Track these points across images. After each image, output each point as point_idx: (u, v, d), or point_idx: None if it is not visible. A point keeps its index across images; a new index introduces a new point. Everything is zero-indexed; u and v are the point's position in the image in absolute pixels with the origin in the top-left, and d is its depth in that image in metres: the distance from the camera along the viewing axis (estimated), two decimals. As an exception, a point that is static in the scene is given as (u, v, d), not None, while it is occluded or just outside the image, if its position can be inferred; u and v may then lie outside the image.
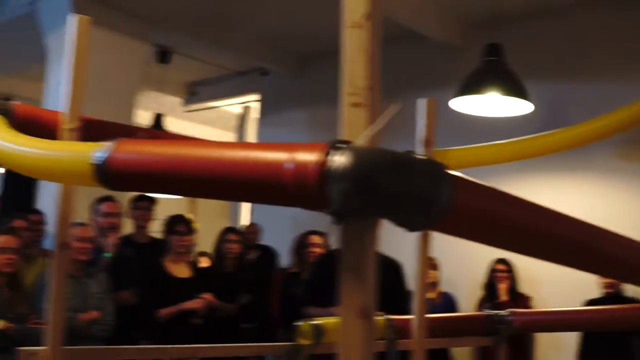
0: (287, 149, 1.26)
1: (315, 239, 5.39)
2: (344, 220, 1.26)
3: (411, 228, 1.27)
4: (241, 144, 1.42)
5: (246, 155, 1.31)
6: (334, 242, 5.21)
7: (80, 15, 2.58)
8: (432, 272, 5.49)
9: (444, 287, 5.73)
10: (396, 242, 4.24)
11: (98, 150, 1.60)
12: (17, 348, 3.66)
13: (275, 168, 1.25)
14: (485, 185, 1.41)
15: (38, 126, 2.46)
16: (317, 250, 5.23)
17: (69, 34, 2.59)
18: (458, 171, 3.55)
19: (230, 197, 1.52)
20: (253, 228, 6.43)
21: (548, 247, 1.61)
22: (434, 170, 1.25)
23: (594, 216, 5.35)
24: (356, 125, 1.31)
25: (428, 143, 3.07)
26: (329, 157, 1.21)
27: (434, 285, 5.57)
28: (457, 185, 1.28)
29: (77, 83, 2.54)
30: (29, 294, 4.14)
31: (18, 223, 4.63)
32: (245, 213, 8.16)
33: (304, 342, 3.04)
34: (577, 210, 5.30)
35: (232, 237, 5.47)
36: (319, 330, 2.97)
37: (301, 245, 5.48)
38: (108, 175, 1.60)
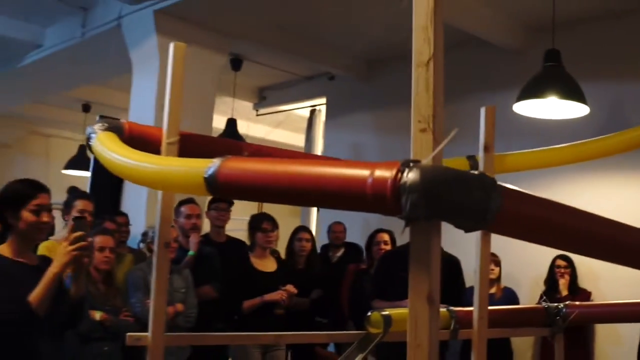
0: (368, 167, 1.58)
1: (384, 236, 5.72)
2: (414, 223, 1.57)
3: (467, 229, 1.58)
4: (329, 161, 1.71)
5: (334, 171, 1.65)
6: (399, 240, 5.52)
7: (177, 43, 2.94)
8: (493, 268, 5.74)
9: (505, 283, 5.96)
10: (459, 239, 4.54)
11: (209, 166, 1.95)
12: (118, 335, 4.10)
13: (359, 182, 1.58)
14: (530, 193, 1.71)
15: (142, 141, 2.82)
16: (385, 247, 5.53)
17: (165, 57, 2.94)
18: (518, 172, 3.85)
19: (320, 205, 1.85)
20: (339, 227, 6.59)
21: (585, 246, 1.90)
22: (485, 183, 1.56)
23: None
24: (423, 147, 1.63)
25: (488, 148, 3.34)
26: (402, 174, 1.52)
27: (495, 280, 5.82)
28: (504, 195, 1.58)
29: (174, 102, 2.88)
30: (120, 290, 4.54)
31: (108, 224, 5.03)
32: (314, 212, 8.51)
33: (374, 331, 3.32)
34: (636, 210, 5.50)
35: (304, 235, 5.81)
36: (388, 320, 3.25)
37: (370, 242, 5.81)
38: (216, 186, 1.95)
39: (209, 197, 5.74)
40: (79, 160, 9.81)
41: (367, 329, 3.33)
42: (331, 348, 6.16)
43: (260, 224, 5.14)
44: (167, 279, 3.00)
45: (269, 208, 7.82)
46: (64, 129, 11.56)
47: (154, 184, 2.49)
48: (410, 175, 1.51)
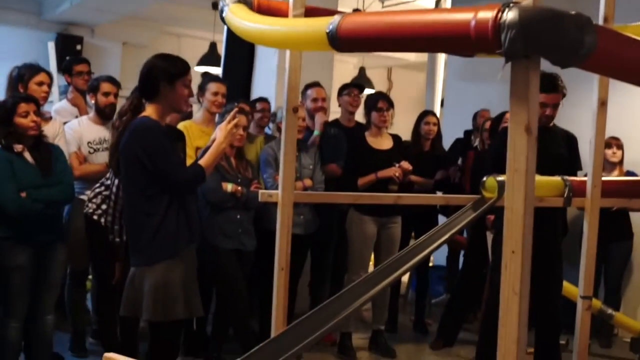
0: (472, 10, 1.77)
1: (486, 114, 5.78)
2: (514, 59, 1.76)
3: (562, 65, 1.75)
4: (437, 9, 1.87)
5: (442, 17, 1.85)
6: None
7: None
8: (615, 151, 5.74)
9: (628, 167, 5.96)
10: (576, 117, 4.60)
11: (330, 22, 2.19)
12: (248, 205, 4.45)
13: (464, 24, 1.77)
14: (626, 34, 1.84)
15: (269, 14, 3.06)
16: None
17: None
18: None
19: (430, 50, 2.05)
20: (486, 113, 6.50)
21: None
22: (581, 21, 1.71)
23: None
24: (524, -9, 1.79)
25: (607, 19, 3.39)
26: (502, 13, 1.70)
27: (617, 164, 5.83)
28: (599, 33, 1.73)
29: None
30: (251, 165, 4.89)
31: (244, 105, 5.31)
32: (438, 100, 8.63)
33: (488, 195, 3.52)
34: None
35: (431, 119, 5.91)
36: (502, 185, 3.41)
37: (498, 123, 5.84)
38: (337, 40, 2.19)
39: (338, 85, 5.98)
40: (210, 57, 10.23)
41: (482, 193, 3.53)
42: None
43: (375, 103, 5.22)
44: (295, 139, 3.29)
45: (397, 97, 7.97)
46: (194, 28, 11.96)
47: (281, 44, 2.75)
48: (510, 14, 1.69)
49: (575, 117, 4.96)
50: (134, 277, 3.25)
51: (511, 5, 1.71)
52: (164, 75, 3.23)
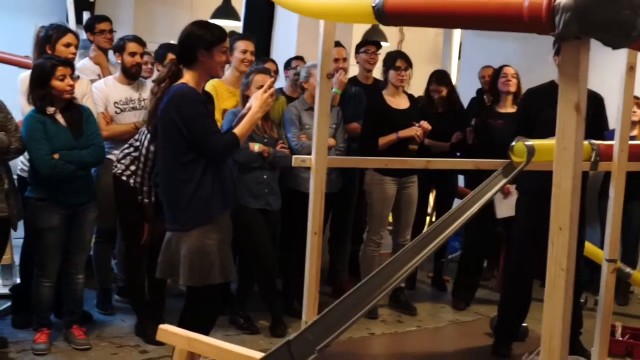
0: (525, -8, 1.79)
1: (510, 70, 5.60)
2: (566, 40, 1.78)
3: (615, 46, 1.77)
4: None
5: (495, -3, 1.86)
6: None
7: None
8: (637, 111, 5.74)
9: (649, 126, 5.97)
10: (604, 79, 4.59)
11: (376, -3, 2.21)
12: (275, 164, 4.51)
13: (517, 5, 1.79)
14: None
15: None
16: (512, 80, 5.49)
17: None
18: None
19: (483, 27, 2.06)
20: (488, 70, 6.49)
21: None
22: (633, 3, 1.72)
23: None
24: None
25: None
26: (556, -4, 1.72)
27: (638, 123, 5.84)
28: (652, 14, 1.74)
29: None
30: (276, 125, 4.93)
31: (269, 65, 5.31)
32: (455, 58, 8.58)
33: (517, 159, 3.54)
34: None
35: (441, 80, 5.95)
36: (531, 150, 3.45)
37: (497, 77, 5.82)
38: (383, 14, 2.21)
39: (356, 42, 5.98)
40: (224, 10, 10.13)
41: (511, 157, 3.56)
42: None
43: (394, 62, 5.18)
44: (329, 108, 3.32)
45: (415, 50, 7.89)
46: (206, -21, 11.84)
47: (322, 15, 2.76)
48: (564, -3, 1.71)
49: (605, 79, 4.95)
50: (170, 241, 3.31)
51: (565, -13, 1.72)
52: (201, 42, 3.25)
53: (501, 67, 5.66)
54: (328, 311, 2.38)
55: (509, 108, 5.52)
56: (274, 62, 5.56)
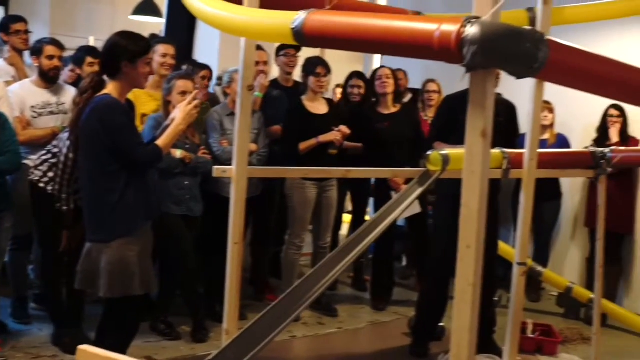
0: (436, 22, 1.88)
1: (433, 86, 6.01)
2: (473, 70, 1.87)
3: (518, 76, 1.89)
4: (403, 16, 1.95)
5: (407, 25, 1.94)
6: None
7: None
8: (547, 115, 5.98)
9: (558, 130, 6.23)
10: (515, 88, 4.76)
11: (296, 18, 2.26)
12: (197, 171, 4.52)
13: (428, 35, 1.87)
14: (575, 47, 1.99)
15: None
16: (388, 82, 5.64)
17: None
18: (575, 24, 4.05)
19: (395, 54, 2.13)
20: (401, 74, 6.63)
21: (623, 95, 2.19)
22: (535, 37, 1.84)
23: None
24: (484, 5, 1.90)
25: (546, 1, 3.53)
26: (464, 28, 1.81)
27: (549, 127, 6.09)
28: (551, 47, 1.86)
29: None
30: (198, 131, 4.92)
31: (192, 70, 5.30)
32: (377, 58, 8.64)
33: (432, 168, 3.67)
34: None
35: (356, 82, 5.99)
36: (446, 159, 3.58)
37: (422, 91, 6.06)
38: (302, 36, 2.27)
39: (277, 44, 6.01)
40: (146, 6, 9.99)
41: (427, 166, 3.68)
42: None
43: (314, 68, 5.25)
44: (249, 118, 3.37)
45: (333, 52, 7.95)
46: (128, -26, 11.66)
47: (242, 32, 2.80)
48: (472, 30, 1.80)
49: (517, 87, 5.14)
50: (90, 252, 3.29)
51: (473, 20, 1.81)
52: (125, 54, 3.24)
53: (376, 69, 5.83)
54: (248, 328, 2.43)
55: (391, 108, 5.67)
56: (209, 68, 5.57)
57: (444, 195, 4.69)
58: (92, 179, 3.29)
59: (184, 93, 4.38)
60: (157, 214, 3.62)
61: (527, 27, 1.87)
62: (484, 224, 2.03)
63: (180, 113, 3.44)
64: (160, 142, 3.37)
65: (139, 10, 10.08)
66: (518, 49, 1.83)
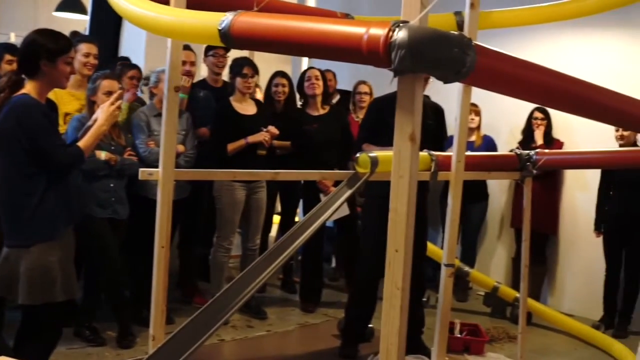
0: (364, 25, 1.86)
1: (364, 88, 6.11)
2: (401, 74, 1.87)
3: (446, 81, 1.89)
4: (332, 19, 1.93)
5: (335, 28, 1.92)
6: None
7: None
8: (474, 118, 6.08)
9: (485, 131, 6.34)
10: (445, 90, 4.82)
11: (223, 20, 2.22)
12: (122, 173, 4.42)
13: (356, 39, 1.86)
14: (503, 52, 2.01)
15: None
16: (317, 83, 5.72)
17: None
18: (502, 29, 4.11)
19: (322, 57, 2.11)
20: (330, 75, 6.60)
21: (548, 100, 2.22)
22: (463, 42, 1.84)
23: (634, 71, 5.76)
24: (412, 9, 1.90)
25: (473, 5, 3.57)
26: (392, 33, 1.80)
27: (475, 129, 6.19)
28: (479, 52, 1.87)
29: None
30: (123, 131, 4.81)
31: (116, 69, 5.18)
32: (305, 59, 8.63)
33: (361, 170, 3.67)
34: (613, 66, 5.78)
35: (280, 80, 5.93)
36: (375, 161, 3.58)
37: (354, 93, 6.12)
38: (229, 38, 2.23)
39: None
40: (71, 3, 9.74)
41: (356, 169, 3.68)
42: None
43: (240, 69, 5.25)
44: (176, 120, 3.31)
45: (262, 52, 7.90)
46: (52, -32, 11.36)
47: (168, 33, 2.74)
48: (400, 34, 1.79)
49: (444, 90, 5.20)
50: (8, 257, 3.17)
51: (400, 25, 1.80)
52: (44, 52, 3.12)
53: (305, 70, 5.86)
54: (176, 333, 2.38)
55: (320, 110, 5.70)
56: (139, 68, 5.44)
57: (372, 196, 4.71)
58: (9, 181, 3.16)
59: (109, 93, 4.25)
60: (79, 218, 3.49)
61: (455, 32, 1.87)
62: (413, 228, 2.03)
63: (102, 113, 3.33)
64: (81, 143, 3.26)
65: (63, 7, 9.83)
66: (446, 54, 1.83)
